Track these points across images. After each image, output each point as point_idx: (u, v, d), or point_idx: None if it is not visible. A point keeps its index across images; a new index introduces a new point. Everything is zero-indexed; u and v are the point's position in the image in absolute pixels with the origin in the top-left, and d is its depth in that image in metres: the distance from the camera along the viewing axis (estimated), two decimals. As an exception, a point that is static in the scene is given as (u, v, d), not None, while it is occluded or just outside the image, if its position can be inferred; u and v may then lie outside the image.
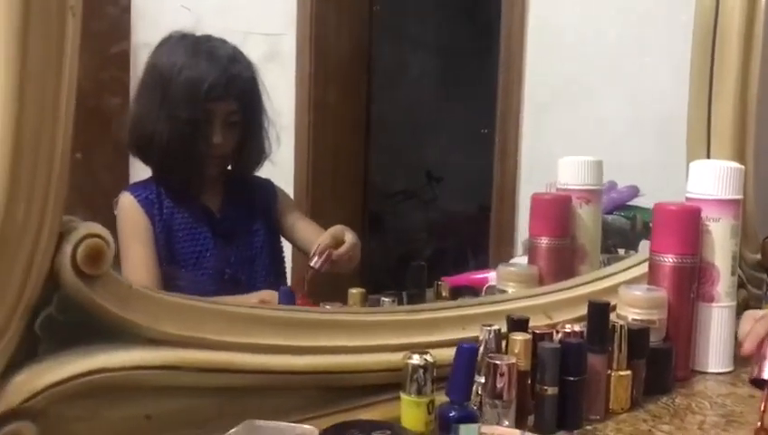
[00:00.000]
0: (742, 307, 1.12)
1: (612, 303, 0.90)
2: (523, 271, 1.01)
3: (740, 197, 0.94)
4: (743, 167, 0.96)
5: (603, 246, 1.19)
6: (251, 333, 0.66)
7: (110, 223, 1.03)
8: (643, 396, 0.84)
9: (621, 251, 1.23)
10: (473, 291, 1.05)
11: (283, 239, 1.24)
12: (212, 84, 1.04)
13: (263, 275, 1.18)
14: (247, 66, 1.12)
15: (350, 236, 1.02)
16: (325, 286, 1.07)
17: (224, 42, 1.12)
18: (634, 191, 1.31)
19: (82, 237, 0.56)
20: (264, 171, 1.29)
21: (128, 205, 1.11)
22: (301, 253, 1.20)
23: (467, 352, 0.66)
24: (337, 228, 1.05)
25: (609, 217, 1.28)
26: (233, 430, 0.57)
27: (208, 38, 1.12)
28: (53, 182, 0.55)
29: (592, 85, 1.58)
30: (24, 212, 0.54)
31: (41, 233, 0.55)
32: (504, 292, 0.99)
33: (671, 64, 1.42)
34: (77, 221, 0.58)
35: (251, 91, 1.11)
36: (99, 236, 0.56)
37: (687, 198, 0.96)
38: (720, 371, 0.95)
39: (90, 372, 0.56)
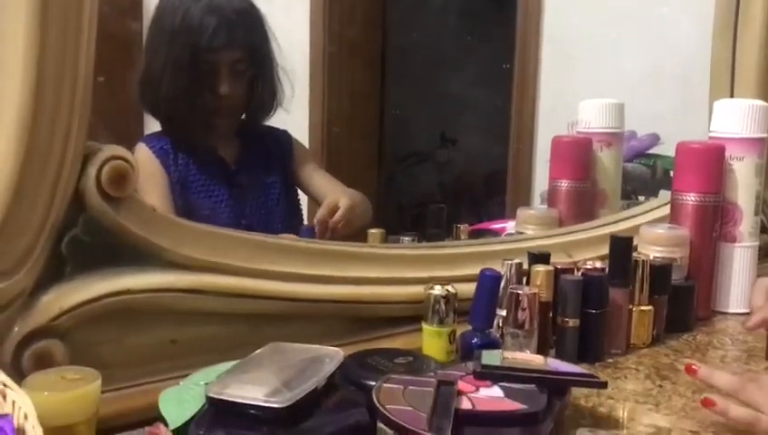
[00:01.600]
0: (764, 252, 1.12)
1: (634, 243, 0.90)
2: (543, 213, 1.00)
3: (765, 135, 0.93)
4: (767, 105, 0.94)
5: (623, 193, 1.18)
6: (276, 261, 0.66)
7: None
8: (664, 333, 0.84)
9: (641, 198, 1.22)
10: (493, 234, 1.04)
11: (299, 190, 1.24)
12: (214, 33, 1.02)
13: (278, 226, 1.18)
14: (253, 13, 1.09)
15: (344, 201, 1.00)
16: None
17: None
18: (654, 139, 1.30)
19: (106, 159, 0.56)
20: (279, 123, 1.28)
21: (143, 156, 1.10)
22: (317, 205, 1.20)
23: (490, 279, 0.66)
24: (329, 198, 1.03)
25: (630, 165, 1.27)
26: (259, 351, 0.57)
27: None
28: (77, 105, 0.55)
29: (612, 35, 1.56)
30: (48, 135, 0.54)
31: (65, 155, 0.55)
32: (522, 234, 0.98)
33: (690, 13, 1.39)
34: (101, 145, 0.58)
35: (257, 38, 1.09)
36: (122, 158, 0.57)
37: (711, 137, 0.95)
38: (741, 311, 0.94)
39: (115, 293, 0.57)
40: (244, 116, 1.19)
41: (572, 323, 0.74)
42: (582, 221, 1.01)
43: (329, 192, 1.10)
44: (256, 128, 1.20)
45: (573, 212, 1.03)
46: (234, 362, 0.56)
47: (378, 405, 0.51)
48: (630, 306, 0.80)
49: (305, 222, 1.29)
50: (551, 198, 1.05)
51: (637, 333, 0.80)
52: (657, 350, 0.80)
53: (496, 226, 1.17)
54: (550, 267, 0.74)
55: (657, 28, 1.50)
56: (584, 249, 0.92)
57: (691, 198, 0.90)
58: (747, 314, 0.94)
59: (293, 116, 1.35)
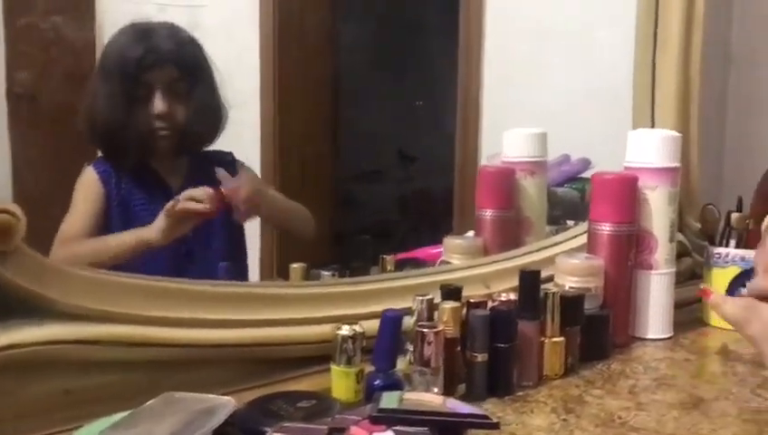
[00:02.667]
0: (687, 275, 1.14)
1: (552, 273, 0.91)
2: (467, 243, 1.01)
3: (677, 164, 0.95)
4: (679, 135, 0.97)
5: (551, 218, 1.20)
6: (174, 307, 0.66)
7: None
8: (580, 362, 0.85)
9: (571, 223, 1.24)
10: (417, 264, 1.05)
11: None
12: (144, 53, 1.04)
13: (220, 250, 1.19)
14: (185, 36, 1.11)
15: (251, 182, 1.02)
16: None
17: (163, 22, 1.12)
18: (585, 164, 1.32)
19: (-10, 213, 0.56)
20: (229, 144, 1.28)
21: (87, 179, 1.13)
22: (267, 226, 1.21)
23: (391, 320, 0.67)
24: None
25: (560, 190, 1.29)
26: (150, 402, 0.57)
27: (149, 22, 1.12)
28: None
29: (551, 58, 1.58)
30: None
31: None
32: (449, 264, 0.99)
33: (623, 37, 1.42)
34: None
35: (192, 57, 1.11)
36: (7, 211, 0.56)
37: (626, 167, 0.97)
38: (659, 337, 0.96)
39: (3, 348, 0.56)
40: (187, 138, 1.20)
41: (481, 357, 0.75)
42: (508, 249, 1.03)
43: None
44: (200, 150, 1.20)
45: (499, 240, 1.04)
46: (123, 414, 0.56)
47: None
48: (542, 338, 0.81)
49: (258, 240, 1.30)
50: (477, 228, 1.06)
51: (549, 364, 0.81)
52: (569, 380, 0.81)
53: (434, 250, 1.18)
54: (456, 303, 0.74)
55: (592, 51, 1.53)
56: (505, 279, 0.93)
57: (606, 228, 0.92)
58: (667, 338, 0.97)
59: (244, 137, 1.36)
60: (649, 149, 0.95)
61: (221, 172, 1.00)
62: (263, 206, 1.03)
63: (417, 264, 1.06)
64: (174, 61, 1.08)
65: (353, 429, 0.57)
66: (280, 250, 1.29)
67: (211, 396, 0.59)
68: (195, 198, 0.98)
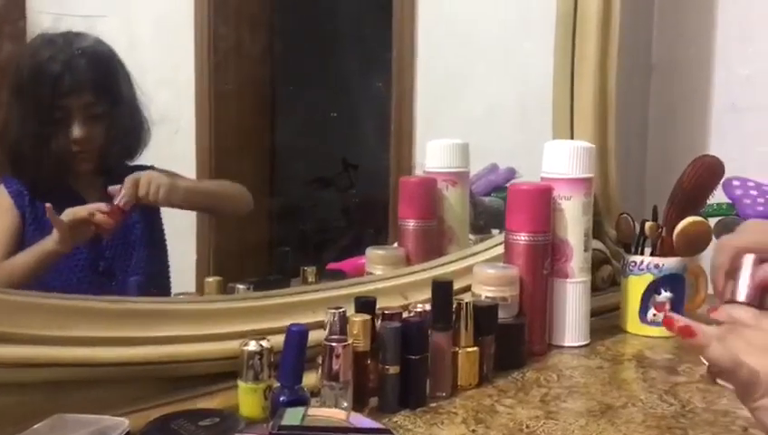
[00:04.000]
0: (608, 282, 1.17)
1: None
2: (388, 253, 1.02)
3: (590, 175, 0.97)
4: (592, 146, 0.99)
5: (477, 227, 1.21)
6: (74, 326, 0.64)
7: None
8: (496, 371, 0.86)
9: (496, 232, 1.25)
10: (341, 276, 1.05)
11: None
12: (59, 79, 1.01)
13: (140, 266, 1.16)
14: (103, 55, 1.08)
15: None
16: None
17: (78, 35, 1.09)
18: (510, 173, 1.34)
19: None
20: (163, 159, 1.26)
21: None
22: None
23: (297, 335, 0.67)
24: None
25: (487, 199, 1.31)
26: (39, 425, 0.56)
27: (64, 34, 1.09)
28: None
29: (480, 69, 1.60)
30: None
31: None
32: (371, 274, 0.99)
33: (549, 48, 1.45)
34: None
35: (109, 79, 1.08)
36: None
37: (542, 178, 0.99)
38: (576, 344, 0.98)
39: None
40: (107, 159, 1.17)
41: (393, 370, 0.75)
42: (431, 260, 1.04)
43: None
44: (120, 168, 1.18)
45: (421, 251, 1.05)
46: (11, 439, 0.54)
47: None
48: (455, 349, 0.81)
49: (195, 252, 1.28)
50: (400, 238, 1.07)
51: (463, 374, 0.82)
52: (483, 390, 0.82)
53: (362, 261, 1.18)
54: (366, 316, 0.75)
55: (520, 62, 1.55)
56: (423, 290, 0.93)
57: (522, 238, 0.94)
58: (584, 345, 0.99)
59: (179, 152, 1.34)
60: (564, 159, 0.96)
61: (112, 189, 0.97)
62: (170, 197, 1.00)
63: (342, 276, 1.06)
64: (91, 84, 1.05)
65: (252, 447, 0.57)
66: (217, 263, 1.27)
67: (104, 417, 0.57)
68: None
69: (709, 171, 1.00)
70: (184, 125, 1.40)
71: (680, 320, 0.55)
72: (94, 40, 1.10)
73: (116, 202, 0.91)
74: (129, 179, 0.98)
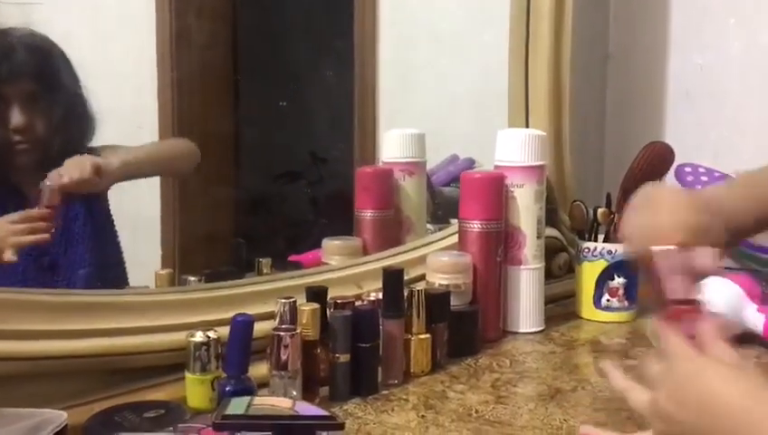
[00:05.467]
0: (565, 270, 1.18)
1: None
2: (344, 244, 1.02)
3: (543, 163, 0.98)
4: (544, 134, 1.00)
5: (436, 217, 1.22)
6: (12, 320, 0.63)
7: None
8: (449, 358, 0.87)
9: (454, 221, 1.26)
10: (299, 267, 1.05)
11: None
12: None
13: (87, 259, 1.14)
14: (44, 44, 1.06)
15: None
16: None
17: (17, 29, 1.07)
18: (470, 164, 1.35)
19: None
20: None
21: None
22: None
23: (242, 325, 0.66)
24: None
25: (447, 190, 1.31)
26: (-26, 420, 0.55)
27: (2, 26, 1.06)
28: None
29: (442, 60, 1.61)
30: None
31: None
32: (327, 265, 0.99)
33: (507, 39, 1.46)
34: None
35: (50, 68, 1.06)
36: None
37: (495, 166, 0.99)
38: (531, 330, 0.99)
39: None
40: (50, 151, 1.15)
41: (343, 358, 0.75)
42: (388, 249, 1.04)
43: None
44: (60, 155, 1.16)
45: (379, 241, 1.05)
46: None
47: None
48: (408, 336, 0.82)
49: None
50: (357, 228, 1.07)
51: (416, 361, 0.82)
52: (435, 377, 0.83)
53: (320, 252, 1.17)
54: (315, 305, 0.74)
55: (480, 54, 1.56)
56: (379, 279, 0.93)
57: (475, 226, 0.94)
58: (539, 331, 1.00)
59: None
60: (516, 148, 0.97)
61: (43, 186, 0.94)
62: (103, 175, 0.97)
63: (300, 268, 1.06)
64: (31, 72, 1.02)
65: (194, 437, 0.57)
66: (183, 257, 1.26)
67: (42, 411, 0.57)
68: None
69: (659, 157, 1.02)
70: (147, 120, 1.39)
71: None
72: (32, 31, 1.09)
73: (43, 202, 0.87)
74: (51, 173, 0.94)
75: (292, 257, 1.18)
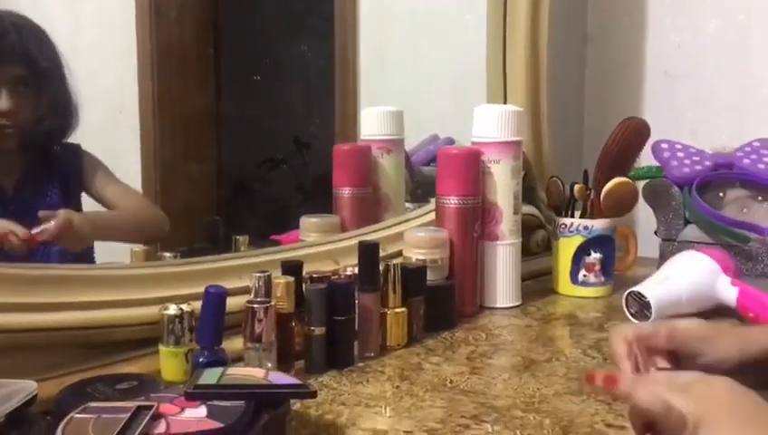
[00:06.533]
0: (543, 246, 1.19)
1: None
2: (322, 221, 1.02)
3: (519, 138, 0.98)
4: (521, 109, 1.00)
5: (414, 196, 1.22)
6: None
7: None
8: (426, 332, 0.87)
9: (433, 200, 1.26)
10: (277, 244, 1.05)
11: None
12: None
13: (61, 250, 1.14)
14: (30, 27, 1.06)
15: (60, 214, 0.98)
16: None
17: (7, 12, 1.06)
18: (449, 143, 1.35)
19: None
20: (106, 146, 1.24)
21: None
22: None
23: (214, 297, 0.66)
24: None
25: (426, 169, 1.32)
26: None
27: None
28: None
29: (423, 43, 1.60)
30: None
31: None
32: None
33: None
34: None
35: (39, 54, 1.06)
36: None
37: (473, 143, 1.00)
38: (507, 305, 0.99)
39: None
40: (33, 137, 1.14)
41: (318, 331, 0.75)
42: (366, 226, 1.04)
43: (121, 205, 1.07)
44: (44, 148, 1.15)
45: (357, 218, 1.05)
46: None
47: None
48: (384, 310, 0.82)
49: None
50: (335, 206, 1.07)
51: (392, 335, 0.83)
52: (411, 350, 0.83)
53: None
54: (289, 278, 0.75)
55: (463, 35, 1.56)
56: (353, 255, 0.93)
57: (452, 201, 0.95)
58: (515, 306, 1.00)
59: (123, 135, 1.31)
60: (492, 123, 0.97)
61: (43, 214, 0.94)
62: (79, 239, 0.97)
63: (277, 245, 1.06)
64: (20, 56, 1.02)
65: (164, 405, 0.57)
66: (166, 246, 1.25)
67: (11, 381, 0.56)
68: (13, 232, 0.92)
69: (635, 133, 1.02)
70: (128, 103, 1.38)
71: (601, 372, 0.54)
72: (23, 15, 1.08)
73: (34, 231, 0.88)
74: (58, 218, 0.94)
75: (274, 237, 1.18)
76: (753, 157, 1.15)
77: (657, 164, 1.19)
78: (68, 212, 0.93)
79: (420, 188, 1.24)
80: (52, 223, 0.90)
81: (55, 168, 1.15)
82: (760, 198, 1.15)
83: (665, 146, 1.18)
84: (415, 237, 0.91)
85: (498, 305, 0.99)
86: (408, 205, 1.17)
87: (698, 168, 1.15)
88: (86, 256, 0.98)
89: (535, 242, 1.17)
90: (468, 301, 0.95)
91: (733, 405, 0.48)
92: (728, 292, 0.93)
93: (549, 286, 1.09)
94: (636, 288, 0.93)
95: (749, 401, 0.49)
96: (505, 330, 0.91)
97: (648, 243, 1.24)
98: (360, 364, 0.78)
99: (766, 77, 1.29)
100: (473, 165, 0.95)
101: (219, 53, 2.08)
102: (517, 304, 1.01)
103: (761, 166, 1.14)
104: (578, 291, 1.05)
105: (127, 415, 0.54)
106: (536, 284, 1.11)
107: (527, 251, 1.14)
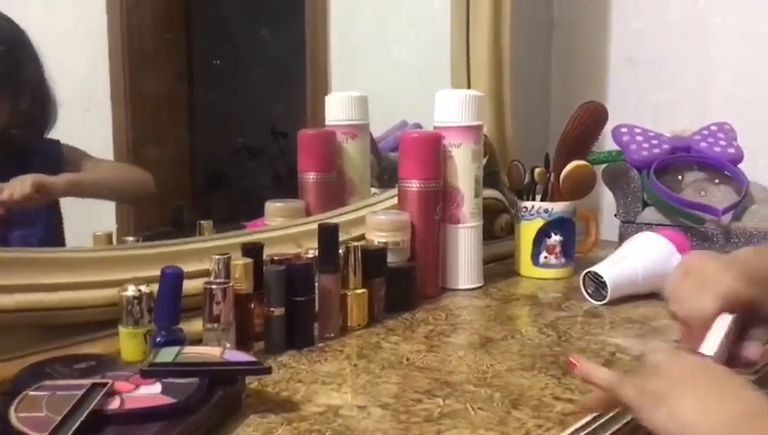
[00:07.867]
0: (507, 230, 1.21)
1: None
2: (286, 205, 1.03)
3: (479, 123, 1.00)
4: (482, 94, 1.01)
5: (381, 181, 1.23)
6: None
7: None
8: (387, 313, 0.89)
9: (399, 185, 1.27)
10: (242, 229, 1.05)
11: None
12: None
13: (37, 245, 1.14)
14: (11, 30, 1.06)
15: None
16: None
17: None
18: (416, 129, 1.36)
19: None
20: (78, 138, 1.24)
21: None
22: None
23: (171, 277, 0.67)
24: None
25: (393, 155, 1.33)
26: None
27: None
28: None
29: (393, 29, 1.61)
30: None
31: None
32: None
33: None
34: None
35: (17, 53, 1.06)
36: None
37: (435, 127, 1.01)
38: (469, 287, 1.01)
39: None
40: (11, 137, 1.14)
41: (278, 312, 0.77)
42: (331, 210, 1.05)
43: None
44: (22, 144, 1.15)
45: (322, 203, 1.06)
46: None
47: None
48: (344, 291, 0.84)
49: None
50: (300, 190, 1.08)
51: (352, 316, 0.84)
52: (372, 330, 0.85)
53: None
54: (248, 260, 0.76)
55: (431, 20, 1.57)
56: (314, 239, 0.94)
57: (414, 185, 0.96)
58: (477, 288, 1.02)
59: (94, 121, 1.31)
60: (453, 108, 0.99)
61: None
62: (50, 194, 0.97)
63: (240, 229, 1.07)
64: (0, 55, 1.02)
65: (119, 383, 0.58)
66: (130, 218, 1.25)
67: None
68: None
69: (593, 117, 1.04)
70: (99, 97, 1.37)
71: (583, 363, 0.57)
72: (4, 15, 1.07)
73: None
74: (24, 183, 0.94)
75: (243, 223, 1.19)
76: (710, 140, 1.18)
77: (618, 148, 1.21)
78: (37, 176, 0.93)
79: (386, 174, 1.25)
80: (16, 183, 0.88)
81: (35, 163, 1.15)
82: (717, 180, 1.17)
83: (624, 130, 1.20)
84: (376, 220, 0.93)
85: (460, 287, 1.01)
86: (374, 190, 1.18)
87: (656, 151, 1.18)
88: (56, 241, 0.98)
89: (499, 226, 1.19)
90: (430, 282, 0.97)
91: (699, 376, 0.51)
92: (682, 271, 0.95)
93: (512, 269, 1.11)
94: (592, 269, 0.95)
95: (715, 370, 0.52)
96: (465, 310, 0.93)
97: (610, 226, 1.27)
98: (320, 344, 0.80)
99: (725, 62, 1.31)
100: (434, 149, 0.97)
101: (190, 32, 2.06)
102: (479, 285, 1.02)
103: (716, 149, 1.17)
104: (539, 272, 1.07)
105: (81, 392, 0.55)
106: (499, 266, 1.13)
107: (491, 235, 1.16)
